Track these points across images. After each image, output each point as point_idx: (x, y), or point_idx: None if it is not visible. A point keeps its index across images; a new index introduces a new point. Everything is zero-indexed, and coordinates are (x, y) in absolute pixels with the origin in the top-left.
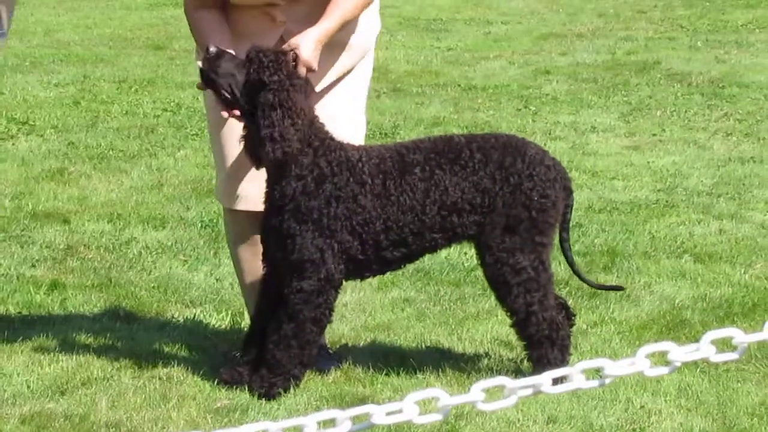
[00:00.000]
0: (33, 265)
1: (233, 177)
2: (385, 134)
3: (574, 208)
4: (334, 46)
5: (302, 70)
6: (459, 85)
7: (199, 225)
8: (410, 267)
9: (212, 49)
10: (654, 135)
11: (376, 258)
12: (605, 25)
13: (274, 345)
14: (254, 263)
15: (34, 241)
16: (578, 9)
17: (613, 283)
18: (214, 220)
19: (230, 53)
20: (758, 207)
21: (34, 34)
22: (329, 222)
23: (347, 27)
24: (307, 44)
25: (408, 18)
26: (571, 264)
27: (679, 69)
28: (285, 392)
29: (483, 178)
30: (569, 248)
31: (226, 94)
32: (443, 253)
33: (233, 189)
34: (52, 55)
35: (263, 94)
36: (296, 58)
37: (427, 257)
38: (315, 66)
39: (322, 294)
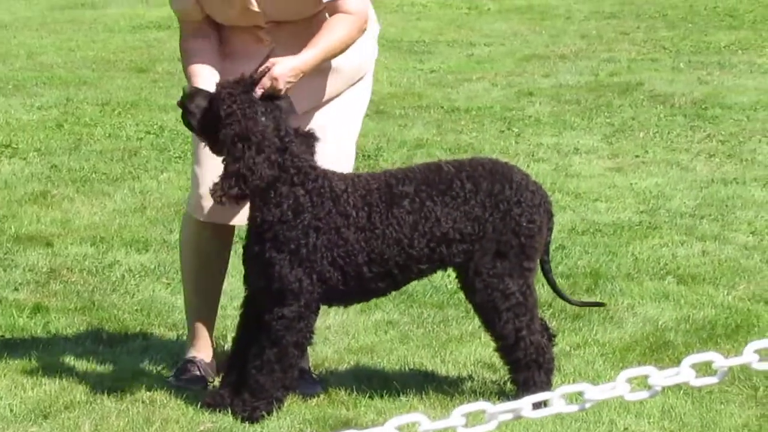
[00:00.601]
0: (16, 289)
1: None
2: (368, 156)
3: (557, 229)
4: (322, 68)
5: (266, 83)
6: (442, 107)
7: None
8: None
9: (188, 89)
10: (637, 156)
11: (359, 288)
12: (588, 47)
13: (256, 370)
14: (204, 277)
15: (17, 264)
16: (561, 31)
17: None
18: None
19: (205, 91)
20: (741, 228)
21: (16, 57)
22: (308, 253)
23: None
24: (283, 65)
25: (391, 40)
26: (552, 285)
27: (662, 90)
28: (268, 415)
29: (474, 207)
30: (550, 270)
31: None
32: None
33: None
34: (35, 77)
35: (223, 131)
36: (265, 73)
37: None
38: (281, 87)
39: (303, 319)
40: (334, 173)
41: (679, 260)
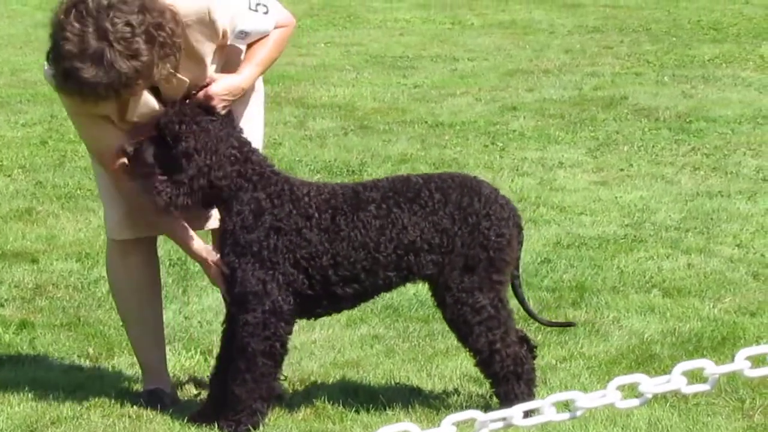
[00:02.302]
0: (1, 305)
1: (124, 210)
2: (353, 171)
3: (542, 243)
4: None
5: (200, 97)
6: (426, 122)
7: (167, 263)
8: (379, 303)
9: (129, 148)
10: (621, 170)
11: (325, 294)
12: (572, 61)
13: (231, 381)
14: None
15: (3, 280)
16: (544, 45)
17: (574, 320)
18: (183, 259)
19: (145, 141)
20: (726, 241)
21: (0, 74)
22: (269, 254)
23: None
24: (219, 83)
25: (374, 55)
26: (521, 301)
27: (646, 104)
28: (254, 428)
29: (443, 218)
30: (520, 285)
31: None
32: (412, 289)
33: (127, 221)
34: (18, 95)
35: (178, 147)
36: (203, 90)
37: (395, 293)
38: (216, 104)
39: (268, 327)
40: (296, 179)
41: (664, 273)
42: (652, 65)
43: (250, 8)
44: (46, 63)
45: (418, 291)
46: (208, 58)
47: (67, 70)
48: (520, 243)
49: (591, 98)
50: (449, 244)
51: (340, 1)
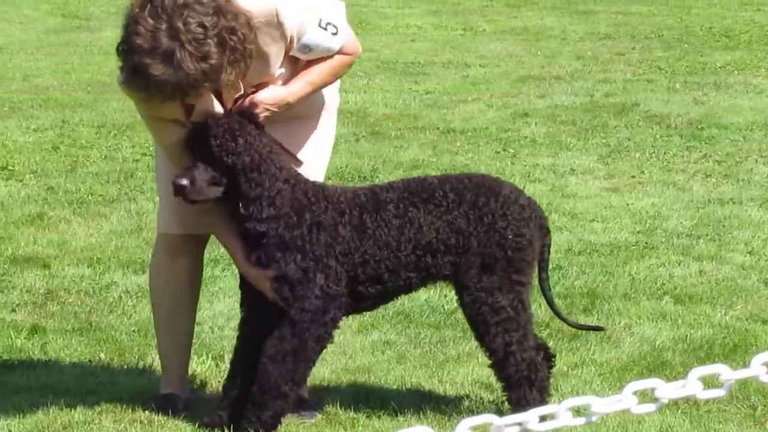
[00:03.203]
0: (13, 310)
1: (174, 204)
2: (364, 177)
3: (554, 250)
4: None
5: (245, 103)
6: (437, 128)
7: None
8: (390, 310)
9: (183, 182)
10: (633, 177)
11: (351, 292)
12: (583, 68)
13: (268, 360)
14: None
15: (14, 285)
16: (556, 52)
17: (593, 325)
18: None
19: (196, 166)
20: (738, 248)
21: (12, 80)
22: (312, 248)
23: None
24: (267, 92)
25: (386, 62)
26: (550, 303)
27: (658, 111)
28: (279, 413)
29: (457, 218)
30: (549, 288)
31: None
32: (423, 295)
33: (177, 214)
34: (30, 100)
35: (237, 160)
36: (246, 97)
37: (406, 300)
38: (259, 111)
39: (328, 311)
40: (318, 181)
41: (676, 280)
42: (663, 72)
43: (319, 25)
44: (119, 72)
45: (430, 297)
46: (275, 64)
47: (136, 65)
48: (547, 245)
49: (602, 105)
50: (465, 244)
51: (351, 7)
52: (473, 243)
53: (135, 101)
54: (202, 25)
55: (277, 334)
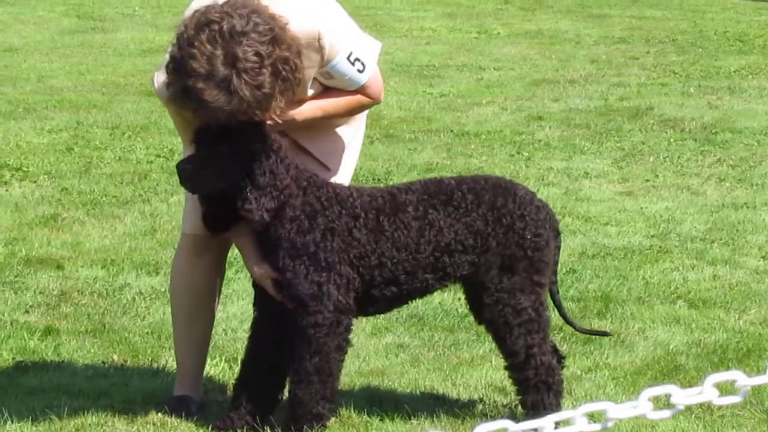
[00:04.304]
0: (27, 311)
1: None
2: (378, 180)
3: (568, 253)
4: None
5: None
6: (452, 131)
7: None
8: (404, 313)
9: (186, 165)
10: (647, 181)
11: (363, 294)
12: (598, 72)
13: (295, 384)
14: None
15: (28, 287)
16: (570, 55)
17: (605, 329)
18: None
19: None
20: (752, 252)
21: (27, 81)
22: (326, 255)
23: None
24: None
25: (400, 64)
26: (559, 307)
27: (672, 115)
28: None
29: (476, 220)
30: (557, 291)
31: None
32: (437, 298)
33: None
34: (45, 101)
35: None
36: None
37: (420, 303)
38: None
39: (341, 323)
40: (333, 182)
41: (689, 284)
42: (678, 76)
43: (348, 58)
44: (157, 73)
45: (443, 300)
46: (308, 86)
47: (188, 88)
48: (558, 248)
49: (617, 109)
50: (483, 244)
51: (366, 10)
52: (492, 243)
53: (171, 111)
54: (258, 54)
55: (297, 355)
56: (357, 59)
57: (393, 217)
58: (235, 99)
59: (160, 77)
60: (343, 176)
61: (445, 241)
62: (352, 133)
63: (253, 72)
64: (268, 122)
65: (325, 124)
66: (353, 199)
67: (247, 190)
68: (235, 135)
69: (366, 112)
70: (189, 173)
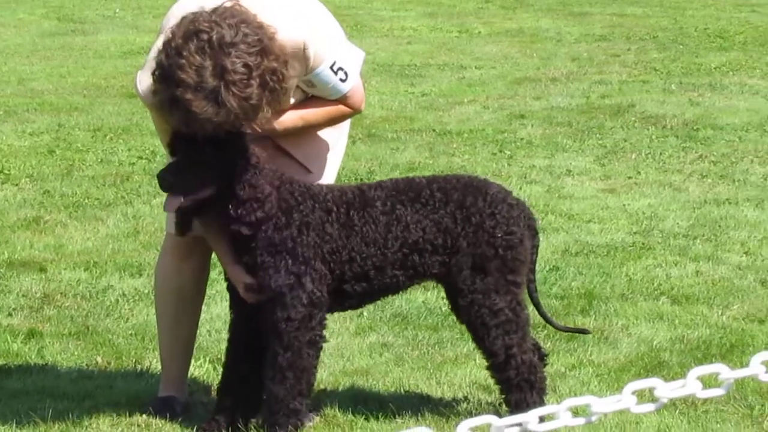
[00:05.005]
0: (9, 314)
1: None
2: (361, 179)
3: (551, 251)
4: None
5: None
6: (434, 130)
7: None
8: (387, 312)
9: (167, 176)
10: (629, 178)
11: (336, 290)
12: (579, 69)
13: (269, 380)
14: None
15: (11, 289)
16: (552, 53)
17: (588, 326)
18: None
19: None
20: (734, 248)
21: (7, 84)
22: (302, 250)
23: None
24: None
25: (382, 64)
26: (537, 306)
27: (654, 112)
28: (294, 428)
29: (444, 218)
30: (535, 289)
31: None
32: (420, 297)
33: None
34: (26, 104)
35: (231, 162)
36: None
37: (404, 302)
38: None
39: (314, 317)
40: (302, 180)
41: (672, 281)
42: (659, 73)
43: (331, 67)
44: (140, 73)
45: (427, 299)
46: (292, 93)
47: (176, 98)
48: (536, 247)
49: (598, 106)
50: (454, 244)
51: (347, 10)
52: (462, 243)
53: (153, 114)
54: (246, 65)
55: (271, 351)
56: (340, 68)
57: (362, 212)
58: (223, 111)
59: (144, 78)
60: (326, 179)
61: (412, 238)
62: (336, 136)
63: (242, 84)
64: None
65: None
66: (324, 193)
67: (230, 203)
68: (214, 144)
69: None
70: (169, 184)
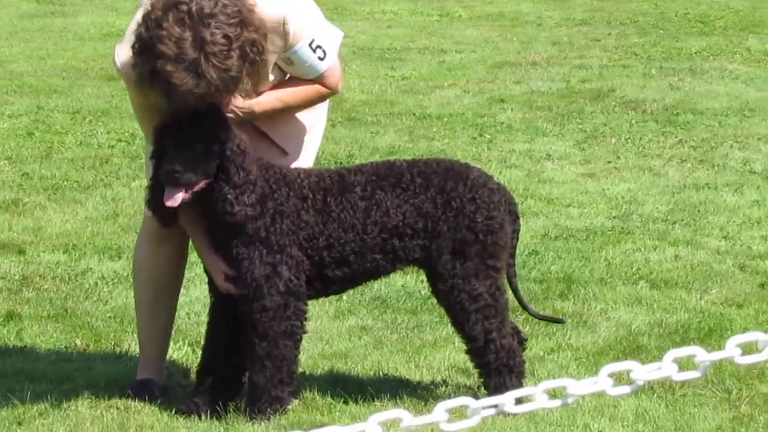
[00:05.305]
0: None
1: None
2: (340, 163)
3: (530, 235)
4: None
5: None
6: (414, 114)
7: None
8: (367, 295)
9: (176, 167)
10: (609, 162)
11: (317, 276)
12: (559, 54)
13: (250, 369)
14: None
15: None
16: (532, 37)
17: (566, 312)
18: None
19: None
20: (713, 233)
21: None
22: (277, 238)
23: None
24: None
25: (362, 47)
26: (515, 291)
27: (634, 96)
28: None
29: (424, 202)
30: (514, 274)
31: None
32: (400, 281)
33: None
34: (5, 86)
35: (226, 147)
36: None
37: (383, 285)
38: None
39: (288, 307)
40: (280, 165)
41: (651, 265)
42: (639, 58)
43: (310, 45)
44: (119, 47)
45: (407, 282)
46: (271, 70)
47: (156, 70)
48: (516, 232)
49: (578, 91)
50: (434, 228)
51: None
52: (443, 228)
53: (131, 89)
54: (226, 36)
55: (249, 341)
56: (319, 46)
57: (340, 197)
58: (203, 82)
59: (122, 52)
60: (303, 161)
61: (392, 222)
62: (314, 119)
63: (222, 55)
64: (229, 115)
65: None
66: (300, 180)
67: (225, 190)
68: (206, 133)
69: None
70: (179, 177)
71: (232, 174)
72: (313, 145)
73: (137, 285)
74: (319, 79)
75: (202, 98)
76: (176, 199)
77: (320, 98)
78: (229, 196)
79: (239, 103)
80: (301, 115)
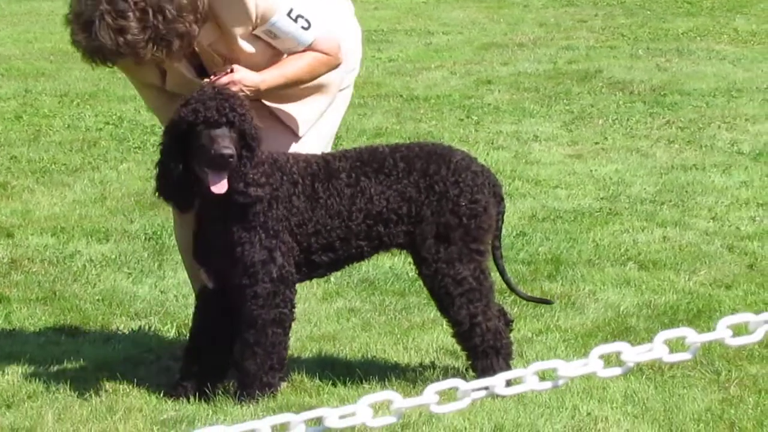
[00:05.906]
0: None
1: None
2: None
3: (518, 216)
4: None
5: (224, 80)
6: (401, 96)
7: (143, 237)
8: (355, 277)
9: (228, 151)
10: (596, 143)
11: (305, 261)
12: (546, 35)
13: (239, 355)
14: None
15: None
16: (519, 19)
17: (554, 293)
18: (158, 233)
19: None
20: (701, 214)
21: None
22: (273, 223)
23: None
24: (244, 73)
25: None
26: (502, 273)
27: (621, 77)
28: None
29: (407, 187)
30: (501, 256)
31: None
32: (388, 263)
33: None
34: None
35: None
36: (226, 73)
37: (371, 267)
38: (236, 89)
39: (278, 294)
40: (268, 151)
41: (639, 246)
42: (626, 39)
43: (289, 15)
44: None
45: (394, 264)
46: (243, 42)
47: (71, 29)
48: (501, 214)
49: (566, 72)
50: (418, 213)
51: None
52: (426, 212)
53: (117, 66)
54: None
55: (239, 328)
56: (300, 16)
57: (327, 184)
58: (96, 42)
59: None
60: (315, 145)
61: (376, 209)
62: (327, 101)
63: (116, 14)
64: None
65: (296, 90)
66: (290, 165)
67: (246, 169)
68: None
69: (343, 82)
70: (234, 160)
71: (256, 152)
72: (327, 129)
73: (186, 261)
74: (311, 49)
75: (103, 56)
76: (224, 185)
77: (323, 67)
78: (250, 174)
79: (246, 81)
80: (313, 98)
